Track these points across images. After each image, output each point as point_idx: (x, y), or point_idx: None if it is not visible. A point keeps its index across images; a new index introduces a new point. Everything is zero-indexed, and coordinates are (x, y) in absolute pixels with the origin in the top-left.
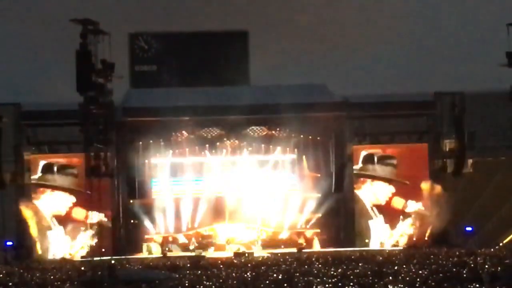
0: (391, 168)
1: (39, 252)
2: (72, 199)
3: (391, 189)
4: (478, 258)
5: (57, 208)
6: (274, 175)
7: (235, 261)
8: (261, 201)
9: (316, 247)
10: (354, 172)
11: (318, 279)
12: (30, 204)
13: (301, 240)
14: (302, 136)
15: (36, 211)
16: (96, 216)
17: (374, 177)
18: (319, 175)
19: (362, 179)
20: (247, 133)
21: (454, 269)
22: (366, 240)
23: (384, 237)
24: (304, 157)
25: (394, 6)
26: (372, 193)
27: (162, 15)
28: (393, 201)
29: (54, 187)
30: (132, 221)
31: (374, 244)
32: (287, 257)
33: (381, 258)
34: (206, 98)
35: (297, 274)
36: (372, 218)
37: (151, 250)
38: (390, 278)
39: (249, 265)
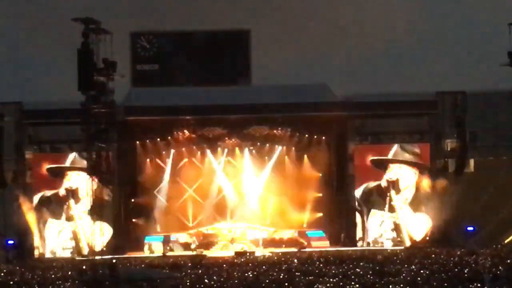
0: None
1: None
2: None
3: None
4: (480, 258)
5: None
6: (276, 175)
7: (236, 260)
8: (263, 200)
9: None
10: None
11: (320, 279)
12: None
13: (302, 240)
14: (303, 135)
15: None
16: None
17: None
18: (320, 174)
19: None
20: (248, 132)
21: (456, 269)
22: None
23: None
24: (305, 156)
25: (395, 6)
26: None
27: (163, 14)
28: (421, 184)
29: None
30: (133, 220)
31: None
32: (288, 256)
33: (382, 257)
34: (208, 97)
35: (298, 274)
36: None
37: (152, 249)
38: (391, 277)
39: (250, 264)
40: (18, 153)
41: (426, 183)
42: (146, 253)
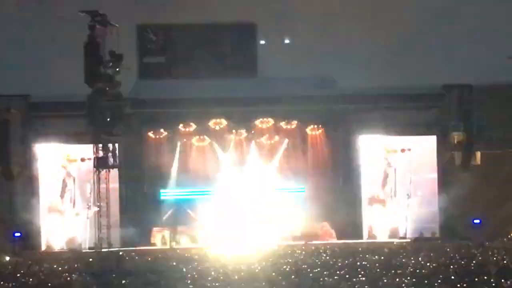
0: None
1: None
2: None
3: None
4: (486, 251)
5: None
6: (282, 167)
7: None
8: (269, 193)
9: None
10: None
11: (326, 271)
12: None
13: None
14: (309, 128)
15: None
16: None
17: None
18: (326, 167)
19: None
20: (254, 125)
21: (462, 262)
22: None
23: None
24: (312, 149)
25: None
26: None
27: (170, 6)
28: None
29: None
30: (140, 212)
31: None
32: (295, 249)
33: (388, 250)
34: (214, 90)
35: (305, 266)
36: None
37: (159, 242)
38: (398, 270)
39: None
40: (25, 145)
41: None
42: (152, 245)
